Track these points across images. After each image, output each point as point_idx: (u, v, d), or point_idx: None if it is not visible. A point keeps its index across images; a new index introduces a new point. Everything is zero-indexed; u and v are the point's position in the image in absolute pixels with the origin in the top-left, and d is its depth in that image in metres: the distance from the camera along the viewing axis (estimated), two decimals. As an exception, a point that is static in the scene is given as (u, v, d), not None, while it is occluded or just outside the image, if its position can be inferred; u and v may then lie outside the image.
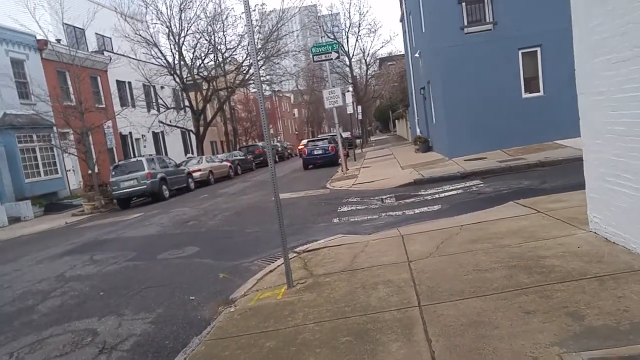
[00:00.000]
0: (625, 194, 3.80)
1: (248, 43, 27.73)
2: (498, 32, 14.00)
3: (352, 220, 8.46)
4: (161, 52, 26.34)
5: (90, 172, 18.42)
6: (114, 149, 24.77)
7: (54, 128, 19.75)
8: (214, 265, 6.72)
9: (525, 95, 14.25)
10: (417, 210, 8.38)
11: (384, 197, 10.36)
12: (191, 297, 5.34)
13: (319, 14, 43.90)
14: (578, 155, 4.92)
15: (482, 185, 9.85)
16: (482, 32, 14.19)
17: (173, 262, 7.35)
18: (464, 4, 14.30)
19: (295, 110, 75.45)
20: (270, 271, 5.79)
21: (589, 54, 4.11)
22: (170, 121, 28.00)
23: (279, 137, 61.61)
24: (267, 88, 36.21)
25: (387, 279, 4.52)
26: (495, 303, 3.49)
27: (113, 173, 17.74)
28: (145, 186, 17.24)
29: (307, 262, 5.81)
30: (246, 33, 27.32)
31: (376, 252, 5.70)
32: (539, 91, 14.18)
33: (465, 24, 14.34)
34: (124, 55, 26.09)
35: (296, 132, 72.54)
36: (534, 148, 12.95)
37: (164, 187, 18.10)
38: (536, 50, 14.02)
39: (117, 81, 26.25)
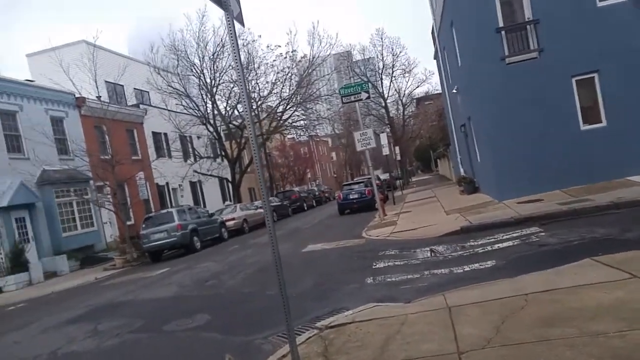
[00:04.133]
0: None
1: (281, 89, 27.83)
2: (545, 60, 12.63)
3: (388, 280, 7.24)
4: (194, 103, 26.65)
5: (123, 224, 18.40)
6: (151, 199, 24.82)
7: (90, 182, 19.95)
8: (221, 342, 5.79)
9: (584, 127, 12.54)
10: (466, 268, 7.04)
11: (426, 249, 8.99)
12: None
13: (353, 59, 43.98)
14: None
15: (543, 234, 8.28)
16: (527, 61, 12.87)
17: (178, 335, 6.47)
18: (503, 32, 13.14)
19: (334, 154, 75.31)
20: (284, 356, 4.67)
21: None
22: (207, 170, 27.98)
23: (317, 181, 61.13)
24: (302, 133, 36.03)
25: (429, 383, 3.27)
26: None
27: (144, 225, 17.63)
28: (175, 238, 16.95)
29: (328, 345, 4.67)
30: (278, 80, 27.37)
31: (416, 334, 4.43)
32: (600, 122, 12.46)
33: (507, 53, 13.09)
34: (157, 107, 26.67)
35: (335, 175, 71.96)
36: (600, 187, 11.16)
37: (195, 238, 17.71)
38: (593, 77, 12.45)
39: (153, 132, 26.79)
